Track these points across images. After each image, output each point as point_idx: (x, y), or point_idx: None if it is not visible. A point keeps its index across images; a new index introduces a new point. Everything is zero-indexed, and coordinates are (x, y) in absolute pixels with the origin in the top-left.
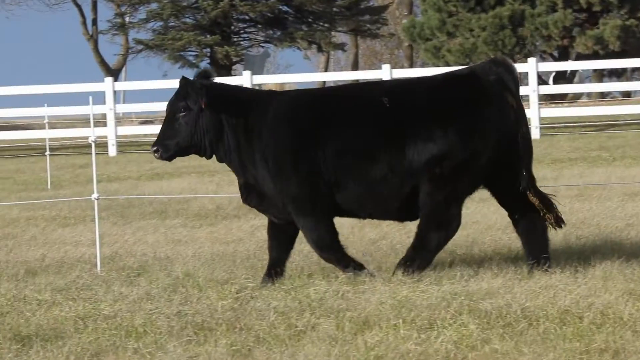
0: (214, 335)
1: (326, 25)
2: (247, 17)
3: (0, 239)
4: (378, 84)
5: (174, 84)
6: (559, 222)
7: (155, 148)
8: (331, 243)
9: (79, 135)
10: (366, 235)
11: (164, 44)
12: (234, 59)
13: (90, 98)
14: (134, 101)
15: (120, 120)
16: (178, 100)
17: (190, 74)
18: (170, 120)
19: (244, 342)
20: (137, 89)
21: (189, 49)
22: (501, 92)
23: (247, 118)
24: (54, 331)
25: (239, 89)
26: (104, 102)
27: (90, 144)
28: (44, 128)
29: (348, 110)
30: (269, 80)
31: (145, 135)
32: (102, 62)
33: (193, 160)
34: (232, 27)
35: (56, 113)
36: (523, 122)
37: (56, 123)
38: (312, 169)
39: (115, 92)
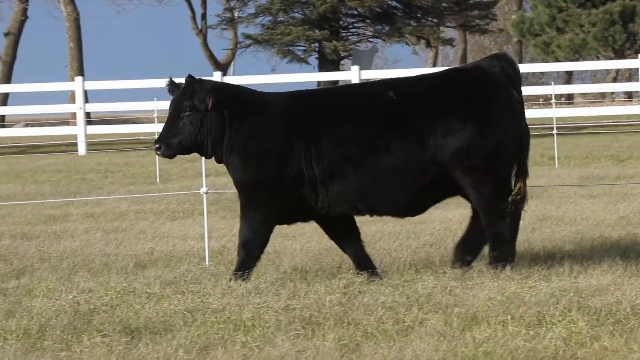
0: (321, 330)
1: (435, 20)
2: (355, 12)
3: (109, 232)
4: (385, 81)
5: (282, 78)
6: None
7: (157, 145)
8: (256, 248)
9: None
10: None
11: (273, 38)
12: (342, 54)
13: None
14: None
15: None
16: (184, 99)
17: (298, 69)
18: (174, 118)
19: (352, 336)
20: (245, 83)
21: (298, 43)
22: (507, 85)
23: (250, 119)
24: (163, 324)
25: (247, 90)
26: None
27: None
28: (153, 122)
29: (358, 104)
30: (376, 75)
31: None
32: (211, 57)
33: None
34: (341, 22)
35: (165, 107)
36: (524, 116)
37: (165, 117)
38: (292, 168)
39: None
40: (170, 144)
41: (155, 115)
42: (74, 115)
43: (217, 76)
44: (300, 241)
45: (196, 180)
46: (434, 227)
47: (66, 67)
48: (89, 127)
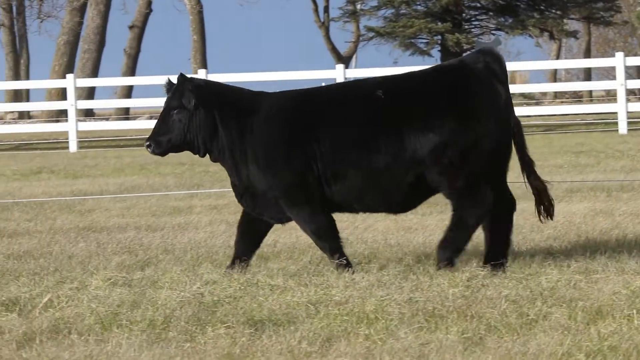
0: (445, 323)
1: (558, 12)
2: (478, 5)
3: (233, 224)
4: (369, 80)
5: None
6: (548, 212)
7: (148, 143)
8: (329, 231)
9: None
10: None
11: (395, 31)
12: (465, 47)
13: (323, 85)
14: None
15: None
16: (174, 98)
17: (420, 61)
18: (165, 116)
19: (475, 330)
20: (367, 76)
21: (420, 36)
22: (491, 80)
23: (241, 116)
24: (286, 316)
25: (232, 88)
26: None
27: None
28: None
29: (344, 103)
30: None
31: None
32: (333, 50)
33: None
34: (463, 15)
35: None
36: (512, 109)
37: None
38: (302, 164)
39: (346, 79)
40: (160, 141)
41: None
42: None
43: (339, 69)
44: (422, 234)
45: None
46: (557, 220)
47: (189, 60)
48: None
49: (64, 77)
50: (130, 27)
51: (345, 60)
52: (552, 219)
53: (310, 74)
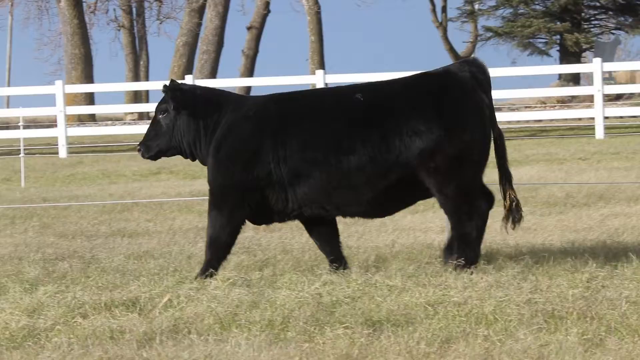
0: (564, 324)
1: None
2: (598, 4)
3: (351, 224)
4: (353, 86)
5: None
6: (517, 222)
7: (138, 148)
8: (221, 246)
9: None
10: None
11: (513, 31)
12: (584, 46)
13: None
14: None
15: None
16: (161, 103)
17: (538, 61)
18: (154, 121)
19: (595, 331)
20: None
21: (538, 36)
22: (475, 89)
23: (221, 119)
24: (404, 317)
25: (220, 92)
26: None
27: None
28: None
29: (325, 105)
30: (619, 67)
31: None
32: (451, 50)
33: (542, 147)
34: (583, 14)
35: None
36: (495, 120)
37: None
38: (258, 173)
39: None
40: (150, 146)
41: None
42: None
43: None
44: (541, 234)
45: None
46: None
47: (307, 61)
48: None
49: (183, 78)
50: (249, 28)
51: None
52: (515, 228)
53: None
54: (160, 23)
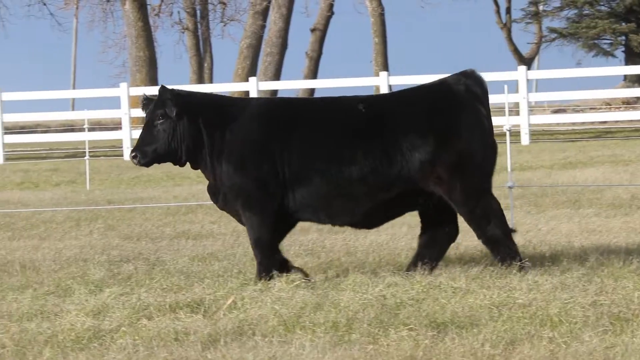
0: (630, 326)
1: None
2: None
3: (414, 226)
4: (354, 97)
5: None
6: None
7: (134, 154)
8: (268, 244)
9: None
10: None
11: (578, 32)
12: None
13: (505, 87)
14: (546, 90)
15: (532, 109)
16: (156, 108)
17: (603, 62)
18: (149, 127)
19: None
20: (549, 77)
21: (603, 37)
22: (473, 101)
23: (223, 123)
24: (468, 318)
25: (216, 96)
26: (517, 91)
27: (505, 132)
28: None
29: (324, 116)
30: None
31: (558, 124)
32: (515, 51)
33: (607, 149)
34: None
35: None
36: (491, 132)
37: None
38: (270, 172)
39: (528, 80)
40: (146, 151)
41: None
42: None
43: (521, 70)
44: (606, 236)
45: (501, 175)
46: None
47: (371, 63)
48: None
49: (247, 80)
50: (312, 30)
51: (528, 62)
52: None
53: (492, 76)
54: (224, 25)
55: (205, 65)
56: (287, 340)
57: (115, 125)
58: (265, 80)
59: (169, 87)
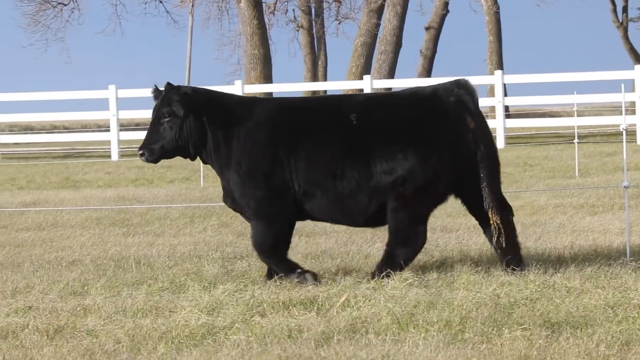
0: None
1: None
2: None
3: (528, 225)
4: (353, 97)
5: None
6: (498, 250)
7: (141, 152)
8: (272, 250)
9: (607, 123)
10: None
11: None
12: None
13: (622, 86)
14: None
15: None
16: (163, 106)
17: None
18: (155, 124)
19: None
20: None
21: None
22: (460, 114)
23: (229, 123)
24: (583, 319)
25: (222, 95)
26: (633, 90)
27: (621, 131)
28: (572, 116)
29: (317, 125)
30: None
31: None
32: (632, 50)
33: None
34: None
35: (585, 101)
36: (483, 141)
37: (584, 111)
38: (280, 179)
39: None
40: (153, 149)
41: (575, 109)
42: (492, 109)
43: (637, 70)
44: None
45: (616, 174)
46: None
47: (485, 61)
48: (507, 120)
49: (361, 79)
50: (427, 29)
51: None
52: (498, 252)
53: (607, 75)
54: (339, 23)
55: (320, 63)
56: (400, 338)
57: None
58: (380, 79)
59: (175, 84)
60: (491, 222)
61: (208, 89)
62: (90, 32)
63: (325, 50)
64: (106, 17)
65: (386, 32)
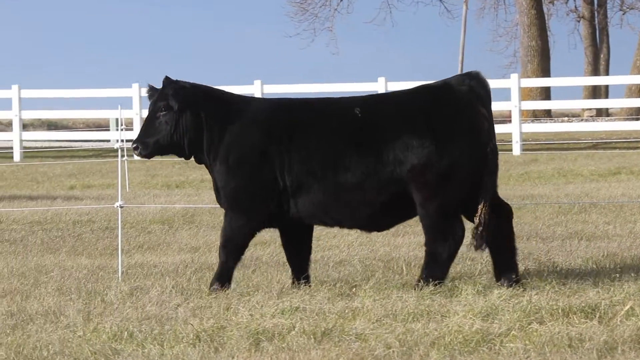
0: None
1: None
2: None
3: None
4: (353, 98)
5: None
6: (478, 246)
7: (135, 145)
8: (235, 247)
9: None
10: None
11: None
12: None
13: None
14: None
15: None
16: (159, 100)
17: None
18: (151, 118)
19: None
20: None
21: None
22: (474, 104)
23: (225, 120)
24: None
25: (218, 91)
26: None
27: None
28: None
29: (322, 119)
30: None
31: None
32: None
33: None
34: None
35: None
36: (493, 135)
37: None
38: (267, 177)
39: None
40: (147, 143)
41: None
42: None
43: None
44: None
45: None
46: None
47: None
48: None
49: None
50: None
51: None
52: (475, 249)
53: None
54: (624, 14)
55: (601, 56)
56: None
57: (504, 118)
58: None
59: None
60: (477, 213)
61: (208, 86)
62: (359, 21)
63: (607, 42)
64: (376, 6)
65: None
